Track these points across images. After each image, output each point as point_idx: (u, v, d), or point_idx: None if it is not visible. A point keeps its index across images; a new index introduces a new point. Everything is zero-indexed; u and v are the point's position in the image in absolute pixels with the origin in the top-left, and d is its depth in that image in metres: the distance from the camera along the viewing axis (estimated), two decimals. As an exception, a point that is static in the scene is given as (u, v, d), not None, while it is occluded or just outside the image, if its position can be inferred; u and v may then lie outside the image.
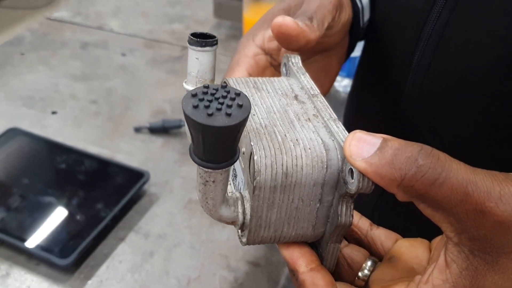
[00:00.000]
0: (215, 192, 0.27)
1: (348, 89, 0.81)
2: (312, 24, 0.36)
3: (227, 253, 0.58)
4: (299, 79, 0.34)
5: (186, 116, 0.23)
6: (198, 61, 0.30)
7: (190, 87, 0.31)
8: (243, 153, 0.29)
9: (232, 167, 0.27)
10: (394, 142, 0.24)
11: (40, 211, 0.59)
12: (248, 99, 0.24)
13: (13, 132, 0.71)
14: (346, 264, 0.31)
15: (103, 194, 0.62)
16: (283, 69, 0.37)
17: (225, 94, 0.24)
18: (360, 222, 0.33)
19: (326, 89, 0.44)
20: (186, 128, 0.33)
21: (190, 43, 0.30)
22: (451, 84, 0.40)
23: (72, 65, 0.92)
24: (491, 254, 0.24)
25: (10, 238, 0.55)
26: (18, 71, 0.89)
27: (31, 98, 0.82)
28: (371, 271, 0.31)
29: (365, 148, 0.25)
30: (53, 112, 0.79)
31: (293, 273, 0.29)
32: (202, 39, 0.30)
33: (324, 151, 0.27)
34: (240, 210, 0.29)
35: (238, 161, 0.31)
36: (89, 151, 0.69)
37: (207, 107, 0.23)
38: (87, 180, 0.64)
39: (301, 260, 0.29)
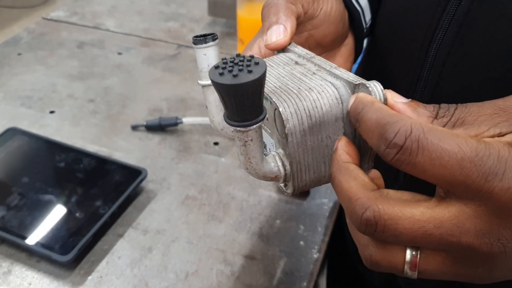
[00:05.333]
0: (255, 150, 0.31)
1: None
2: (286, 30, 0.39)
3: (224, 248, 0.59)
4: (293, 51, 0.39)
5: (216, 83, 0.27)
6: (206, 57, 0.35)
7: (204, 82, 0.36)
8: (267, 119, 0.33)
9: (263, 129, 0.31)
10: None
11: (40, 209, 0.60)
12: (261, 58, 0.28)
13: (12, 132, 0.72)
14: None
15: (102, 192, 0.63)
16: (275, 51, 0.42)
17: (241, 59, 0.28)
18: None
19: None
20: (211, 101, 0.38)
21: (195, 43, 0.34)
22: (473, 72, 0.40)
23: (69, 64, 0.93)
24: None
25: (11, 236, 0.57)
26: (16, 71, 0.90)
27: (29, 98, 0.83)
28: None
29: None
30: (51, 112, 0.80)
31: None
32: (205, 37, 0.34)
33: (336, 90, 0.32)
34: (279, 163, 0.33)
35: (264, 130, 0.35)
36: (87, 149, 0.70)
37: (230, 71, 0.27)
38: (85, 178, 0.65)
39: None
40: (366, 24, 0.50)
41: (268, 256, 0.58)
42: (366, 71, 0.57)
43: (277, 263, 0.58)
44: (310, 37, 0.45)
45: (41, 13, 1.14)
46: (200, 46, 0.34)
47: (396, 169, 0.32)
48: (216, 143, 0.75)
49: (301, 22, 0.42)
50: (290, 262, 0.58)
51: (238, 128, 0.29)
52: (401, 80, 0.47)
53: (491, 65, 0.38)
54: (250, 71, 0.27)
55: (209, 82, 0.35)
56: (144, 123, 0.76)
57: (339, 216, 0.68)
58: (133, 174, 0.65)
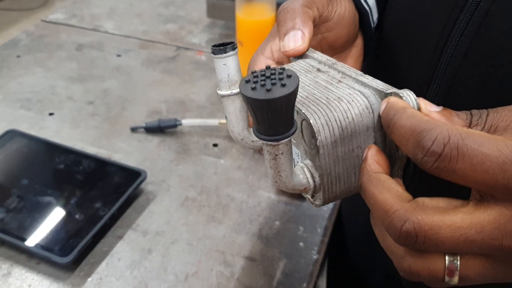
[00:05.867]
0: (285, 163, 0.30)
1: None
2: (304, 35, 0.38)
3: (224, 249, 0.59)
4: (312, 57, 0.38)
5: (248, 98, 0.26)
6: (226, 66, 0.33)
7: (224, 92, 0.35)
8: (297, 128, 0.32)
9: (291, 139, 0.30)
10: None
11: (39, 211, 0.60)
12: (292, 70, 0.27)
13: (12, 134, 0.72)
14: None
15: (101, 193, 0.63)
16: (291, 58, 0.40)
17: (273, 71, 0.27)
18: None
19: None
20: (231, 111, 0.36)
21: (215, 53, 0.33)
22: (490, 75, 0.39)
23: (68, 66, 0.93)
24: None
25: (11, 238, 0.57)
26: (15, 73, 0.90)
27: (28, 100, 0.83)
28: None
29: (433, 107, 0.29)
30: (51, 114, 0.80)
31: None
32: (224, 46, 0.33)
33: (365, 99, 0.31)
34: (308, 175, 0.32)
35: None
36: (86, 151, 0.70)
37: (263, 85, 0.26)
38: (85, 180, 0.65)
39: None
40: (373, 24, 0.49)
41: (268, 257, 0.58)
42: (373, 71, 0.56)
43: (277, 264, 0.58)
44: (323, 39, 0.44)
45: (40, 15, 1.14)
46: (220, 55, 0.33)
47: (405, 165, 0.32)
48: (215, 145, 0.75)
49: (316, 25, 0.41)
50: (290, 264, 0.58)
51: (269, 142, 0.29)
52: (412, 82, 0.46)
53: (509, 67, 0.37)
54: (283, 85, 0.26)
55: (229, 92, 0.34)
56: (143, 125, 0.76)
57: (339, 217, 0.68)
58: (132, 176, 0.65)
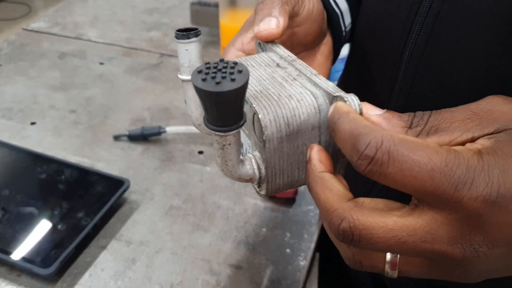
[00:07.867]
0: (232, 154, 0.31)
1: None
2: (279, 22, 0.40)
3: (209, 258, 0.58)
4: (275, 51, 0.39)
5: (198, 89, 0.26)
6: (187, 52, 0.35)
7: (185, 77, 0.36)
8: (246, 121, 0.33)
9: (241, 130, 0.30)
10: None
11: (21, 222, 0.59)
12: (245, 65, 0.28)
13: (-8, 144, 0.70)
14: None
15: (84, 203, 0.62)
16: (258, 49, 0.42)
17: (225, 65, 0.27)
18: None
19: None
20: (190, 96, 0.38)
21: (178, 38, 0.34)
22: (445, 74, 0.40)
23: (50, 75, 0.92)
24: None
25: (-9, 250, 0.55)
26: (-4, 82, 0.89)
27: (9, 109, 0.82)
28: None
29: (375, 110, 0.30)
30: (32, 123, 0.79)
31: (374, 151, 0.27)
32: (188, 32, 0.34)
33: (314, 99, 0.32)
34: (255, 166, 0.33)
35: (242, 131, 0.35)
36: (69, 160, 0.69)
37: (213, 78, 0.26)
38: (67, 189, 0.64)
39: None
40: (345, 28, 0.51)
41: (254, 264, 0.58)
42: (349, 75, 0.57)
43: (264, 271, 0.57)
44: (293, 35, 0.45)
45: (23, 25, 1.13)
46: (183, 41, 0.34)
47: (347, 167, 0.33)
48: (200, 152, 0.74)
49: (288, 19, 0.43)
50: (277, 270, 0.57)
51: (217, 133, 0.29)
52: (380, 82, 0.48)
53: (461, 66, 0.39)
54: (233, 80, 0.26)
55: (189, 77, 0.36)
56: (127, 133, 0.75)
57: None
58: (115, 184, 0.64)
